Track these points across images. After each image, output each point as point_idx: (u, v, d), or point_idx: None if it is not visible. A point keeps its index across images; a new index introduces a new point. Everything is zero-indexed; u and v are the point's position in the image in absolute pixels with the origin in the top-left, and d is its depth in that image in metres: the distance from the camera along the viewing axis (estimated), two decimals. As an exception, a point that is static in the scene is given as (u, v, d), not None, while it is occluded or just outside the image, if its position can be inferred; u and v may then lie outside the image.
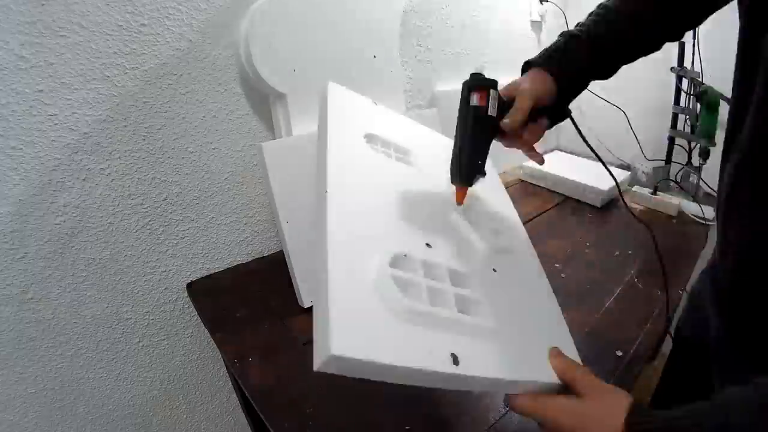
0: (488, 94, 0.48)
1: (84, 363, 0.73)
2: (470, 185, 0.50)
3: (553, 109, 0.54)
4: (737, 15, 0.48)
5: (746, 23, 0.45)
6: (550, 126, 0.56)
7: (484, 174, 0.49)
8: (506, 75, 1.24)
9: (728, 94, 0.51)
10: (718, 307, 0.57)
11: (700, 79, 1.04)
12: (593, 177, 1.09)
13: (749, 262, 0.47)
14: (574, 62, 0.55)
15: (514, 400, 0.41)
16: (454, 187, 0.51)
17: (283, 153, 0.70)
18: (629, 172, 1.13)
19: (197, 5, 0.69)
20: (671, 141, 1.12)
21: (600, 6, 0.57)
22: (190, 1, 0.68)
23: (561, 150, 1.50)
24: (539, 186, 1.19)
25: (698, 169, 1.02)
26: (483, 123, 0.49)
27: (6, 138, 0.57)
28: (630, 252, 0.86)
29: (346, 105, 0.56)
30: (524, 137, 0.53)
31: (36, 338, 0.67)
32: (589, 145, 0.58)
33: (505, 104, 0.51)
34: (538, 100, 0.51)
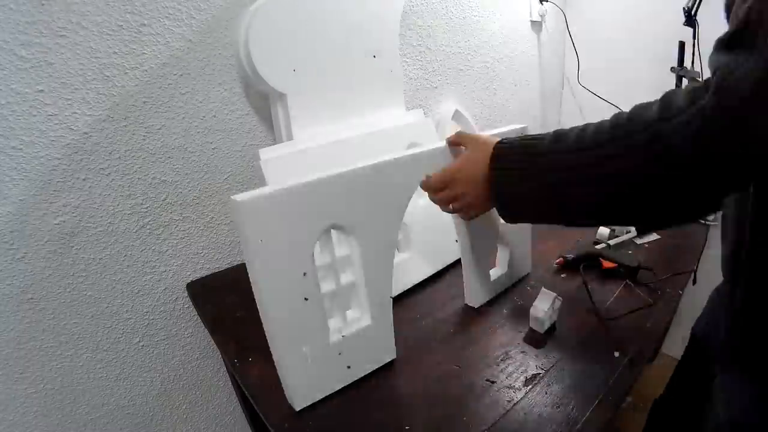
0: None
1: (84, 363, 0.73)
2: None
3: None
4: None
5: None
6: None
7: None
8: (506, 74, 1.25)
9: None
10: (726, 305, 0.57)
11: (700, 79, 1.04)
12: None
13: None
14: None
15: (427, 180, 0.57)
16: None
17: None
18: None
19: (197, 5, 0.69)
20: (671, 141, 1.12)
21: None
22: (190, 1, 0.68)
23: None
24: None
25: (698, 169, 1.02)
26: None
27: (6, 138, 0.57)
28: (630, 252, 0.86)
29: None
30: None
31: (36, 338, 0.67)
32: None
33: None
34: None
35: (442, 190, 0.57)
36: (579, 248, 0.81)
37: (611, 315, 0.66)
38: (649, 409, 0.78)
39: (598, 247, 0.84)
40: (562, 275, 0.78)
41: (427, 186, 0.57)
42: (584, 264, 0.75)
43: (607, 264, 0.76)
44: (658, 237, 0.90)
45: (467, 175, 0.54)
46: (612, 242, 0.87)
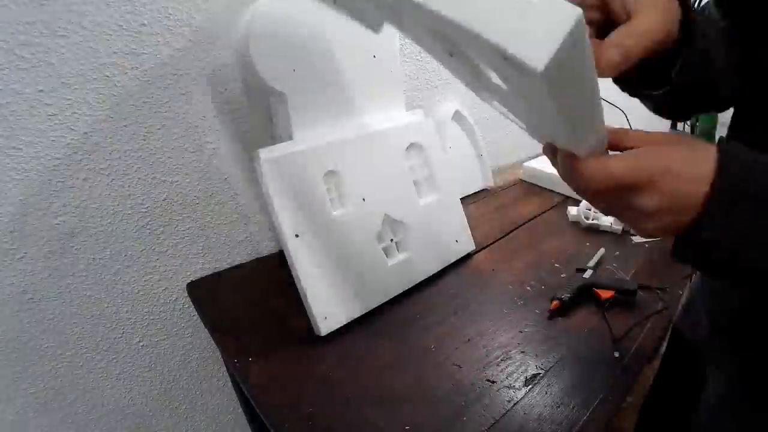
0: None
1: (84, 363, 0.73)
2: None
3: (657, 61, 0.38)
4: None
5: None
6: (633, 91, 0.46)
7: None
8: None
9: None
10: (710, 303, 0.57)
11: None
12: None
13: None
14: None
15: (582, 165, 0.32)
16: None
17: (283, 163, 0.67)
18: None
19: (197, 5, 0.69)
20: (671, 141, 1.12)
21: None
22: (190, 1, 0.68)
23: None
24: (539, 186, 1.19)
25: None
26: None
27: (6, 138, 0.57)
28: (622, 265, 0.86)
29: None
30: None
31: (36, 338, 0.67)
32: None
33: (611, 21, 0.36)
34: (655, 44, 0.35)
35: (616, 194, 0.32)
36: (569, 284, 0.73)
37: (619, 335, 0.64)
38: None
39: (585, 275, 0.77)
40: (558, 319, 0.69)
41: (583, 181, 0.33)
42: (579, 302, 0.70)
43: (604, 294, 0.70)
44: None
45: (679, 185, 0.30)
46: (592, 263, 0.81)
